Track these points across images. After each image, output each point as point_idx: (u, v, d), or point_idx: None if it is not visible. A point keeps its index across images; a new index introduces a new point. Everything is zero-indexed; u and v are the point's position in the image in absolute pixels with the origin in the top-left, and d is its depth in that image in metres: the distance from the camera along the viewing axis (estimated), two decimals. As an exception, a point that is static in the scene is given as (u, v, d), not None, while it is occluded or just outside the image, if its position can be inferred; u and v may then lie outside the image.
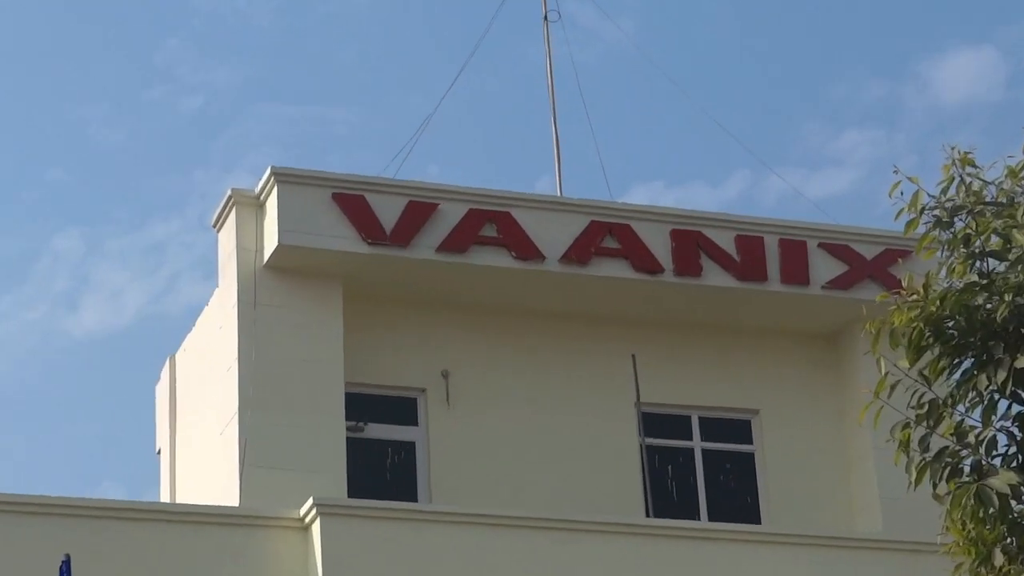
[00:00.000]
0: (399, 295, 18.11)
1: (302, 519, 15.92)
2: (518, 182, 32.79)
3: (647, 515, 17.70)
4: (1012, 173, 9.65)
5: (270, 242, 17.45)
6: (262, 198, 17.67)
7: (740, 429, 19.13)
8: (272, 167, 17.39)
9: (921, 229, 9.78)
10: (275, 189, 17.49)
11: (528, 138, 37.37)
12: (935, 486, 9.51)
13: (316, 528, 15.81)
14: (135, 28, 41.23)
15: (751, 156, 35.54)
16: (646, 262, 18.20)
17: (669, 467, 18.64)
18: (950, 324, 9.51)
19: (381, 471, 17.85)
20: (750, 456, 19.06)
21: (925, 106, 41.18)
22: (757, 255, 18.57)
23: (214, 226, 18.18)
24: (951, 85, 40.88)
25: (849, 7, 40.35)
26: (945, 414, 9.54)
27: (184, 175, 41.98)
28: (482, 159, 37.94)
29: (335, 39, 41.45)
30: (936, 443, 9.52)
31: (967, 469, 9.45)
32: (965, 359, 9.54)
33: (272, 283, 17.63)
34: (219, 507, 16.73)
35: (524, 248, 17.86)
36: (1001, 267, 9.56)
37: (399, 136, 31.83)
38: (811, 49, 40.99)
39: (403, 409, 18.24)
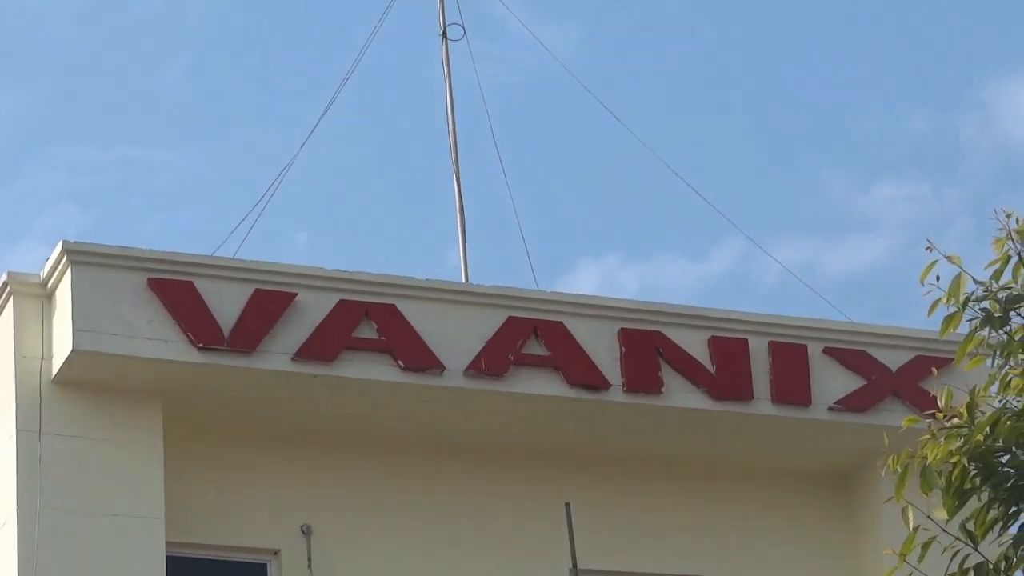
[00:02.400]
0: (242, 421, 17.87)
1: None
2: (411, 263, 32.57)
3: None
4: None
5: (62, 347, 16.99)
6: (50, 285, 17.09)
7: None
8: (64, 243, 16.63)
9: (964, 328, 9.66)
10: (68, 272, 17.02)
11: (428, 200, 37.50)
12: None
13: None
14: None
15: (742, 219, 35.98)
16: (586, 375, 18.04)
17: None
18: (1004, 459, 9.53)
19: None
20: None
21: (988, 146, 41.08)
22: (739, 365, 18.50)
23: None
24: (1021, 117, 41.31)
25: (880, 13, 40.84)
26: None
27: None
28: (361, 228, 37.70)
29: (159, 54, 41.41)
30: None
31: None
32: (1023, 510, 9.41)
33: (64, 404, 17.26)
34: None
35: (416, 355, 17.69)
36: None
37: (247, 190, 31.69)
38: (832, 69, 41.06)
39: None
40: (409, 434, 19.10)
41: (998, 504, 10.03)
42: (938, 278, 10.14)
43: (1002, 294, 10.14)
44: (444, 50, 21.37)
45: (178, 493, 17.99)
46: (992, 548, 9.94)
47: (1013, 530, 10.14)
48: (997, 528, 10.15)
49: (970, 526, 9.98)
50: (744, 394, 19.11)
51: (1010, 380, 9.82)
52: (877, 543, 17.79)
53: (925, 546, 9.87)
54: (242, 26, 41.39)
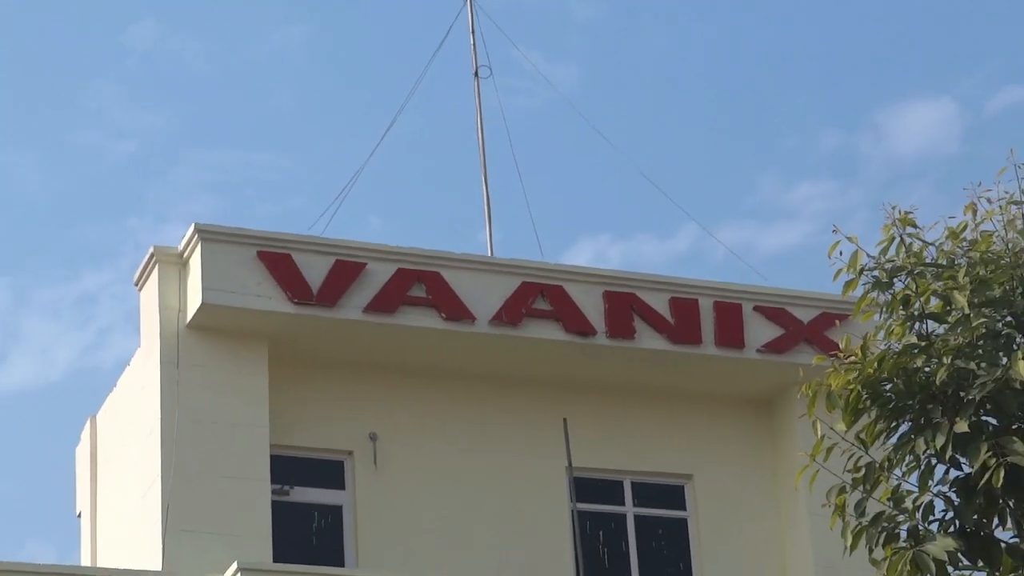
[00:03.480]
0: (326, 356, 17.94)
1: None
2: (452, 239, 32.57)
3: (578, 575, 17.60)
4: (953, 234, 9.67)
5: (193, 301, 17.26)
6: (185, 256, 17.55)
7: (673, 495, 19.03)
8: (196, 224, 17.29)
9: (860, 291, 9.72)
10: (199, 247, 17.38)
11: (463, 194, 37.48)
12: (871, 551, 9.49)
13: None
14: (63, 69, 40.82)
15: (698, 209, 35.46)
16: (578, 324, 18.12)
17: (601, 533, 18.49)
18: (887, 387, 9.50)
19: (307, 535, 17.66)
20: (683, 522, 18.98)
21: (881, 157, 41.27)
22: (692, 318, 18.58)
23: (136, 284, 18.03)
24: (908, 137, 41.38)
25: (803, 55, 40.75)
26: (882, 479, 9.51)
27: (116, 223, 41.71)
28: (415, 214, 38.29)
29: (267, 83, 41.33)
30: (872, 508, 9.49)
31: (903, 534, 9.44)
32: (902, 422, 9.51)
33: (195, 343, 17.44)
34: (141, 572, 16.56)
35: (453, 309, 17.78)
36: (940, 329, 9.54)
37: (332, 185, 31.47)
38: (765, 98, 41.10)
39: (330, 472, 18.01)
40: (448, 367, 18.74)
41: (883, 420, 9.84)
42: (841, 253, 10.05)
43: (888, 265, 10.03)
44: (476, 84, 21.18)
45: (278, 408, 17.86)
46: (878, 452, 9.84)
47: (894, 439, 9.92)
48: (882, 437, 9.93)
49: (863, 435, 9.90)
50: (695, 339, 18.85)
51: (892, 329, 9.85)
52: (793, 448, 17.65)
53: (829, 450, 9.89)
54: (331, 60, 41.95)
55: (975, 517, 9.45)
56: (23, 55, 40.43)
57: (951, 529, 9.50)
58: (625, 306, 18.36)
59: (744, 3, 40.18)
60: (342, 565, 17.46)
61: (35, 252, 40.55)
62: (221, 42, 41.21)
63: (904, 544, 9.31)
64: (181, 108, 41.26)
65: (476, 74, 20.49)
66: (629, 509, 18.72)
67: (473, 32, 20.75)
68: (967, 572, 9.52)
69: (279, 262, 17.35)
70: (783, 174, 40.74)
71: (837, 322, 17.41)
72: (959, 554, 9.31)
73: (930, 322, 9.49)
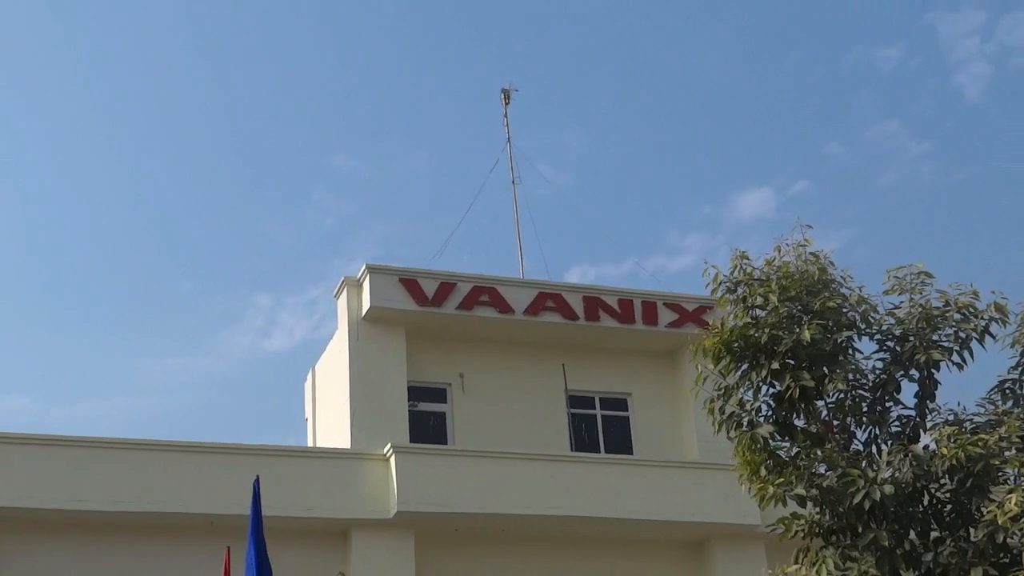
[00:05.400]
0: (436, 332, 18.92)
1: (385, 456, 16.77)
2: (500, 268, 32.74)
3: (571, 450, 18.75)
4: (768, 263, 10.22)
5: (365, 304, 18.36)
6: (360, 280, 18.82)
7: (622, 403, 19.98)
8: (367, 263, 18.57)
9: (720, 293, 10.05)
10: (368, 275, 18.68)
11: (506, 243, 40.03)
12: (728, 433, 9.95)
13: (392, 460, 16.65)
14: (304, 138, 43.35)
15: (636, 248, 34.76)
16: (569, 313, 18.93)
17: (583, 424, 19.61)
18: (736, 345, 9.88)
19: (427, 428, 18.55)
20: (627, 418, 19.84)
21: (733, 219, 43.66)
22: (631, 309, 19.40)
23: (335, 295, 19.19)
24: (748, 209, 41.67)
25: (679, 157, 40.37)
26: (733, 394, 9.94)
27: (328, 263, 45.84)
28: (480, 255, 40.88)
29: (402, 143, 43.36)
30: (728, 409, 9.85)
31: (745, 423, 9.79)
32: (744, 364, 9.89)
33: (367, 327, 18.33)
34: (341, 449, 17.71)
35: (503, 306, 18.76)
36: (762, 314, 9.87)
37: (437, 242, 32.28)
38: (664, 180, 42.53)
39: (438, 394, 18.81)
40: (499, 337, 18.60)
41: (733, 363, 9.57)
42: (711, 273, 9.87)
43: (734, 280, 9.74)
44: (513, 192, 20.40)
45: (412, 360, 18.02)
46: (732, 379, 9.62)
47: (739, 373, 9.50)
48: (733, 372, 9.48)
49: (723, 371, 9.70)
50: (632, 321, 18.71)
51: (737, 314, 9.83)
52: (686, 377, 17.36)
53: (705, 379, 9.83)
54: (444, 177, 42.45)
55: (783, 414, 9.83)
56: (267, 128, 43.39)
57: (771, 421, 9.79)
58: (594, 303, 19.19)
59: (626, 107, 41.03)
60: (445, 443, 18.23)
61: (284, 276, 41.51)
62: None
63: (745, 429, 9.73)
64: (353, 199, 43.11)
65: (513, 182, 21.13)
66: (598, 412, 19.82)
67: (511, 159, 20.92)
68: (780, 443, 9.83)
69: (410, 283, 18.39)
70: (680, 230, 43.47)
71: (709, 310, 18.94)
72: (775, 434, 9.75)
73: (757, 310, 9.87)
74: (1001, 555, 8.69)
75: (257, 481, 11.94)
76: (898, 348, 9.64)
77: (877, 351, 9.91)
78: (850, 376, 9.39)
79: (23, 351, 37.56)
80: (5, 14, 37.52)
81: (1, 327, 37.24)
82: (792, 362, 9.55)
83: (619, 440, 19.37)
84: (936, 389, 9.58)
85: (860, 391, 9.62)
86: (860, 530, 9.04)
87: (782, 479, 9.18)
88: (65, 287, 39.82)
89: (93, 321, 38.58)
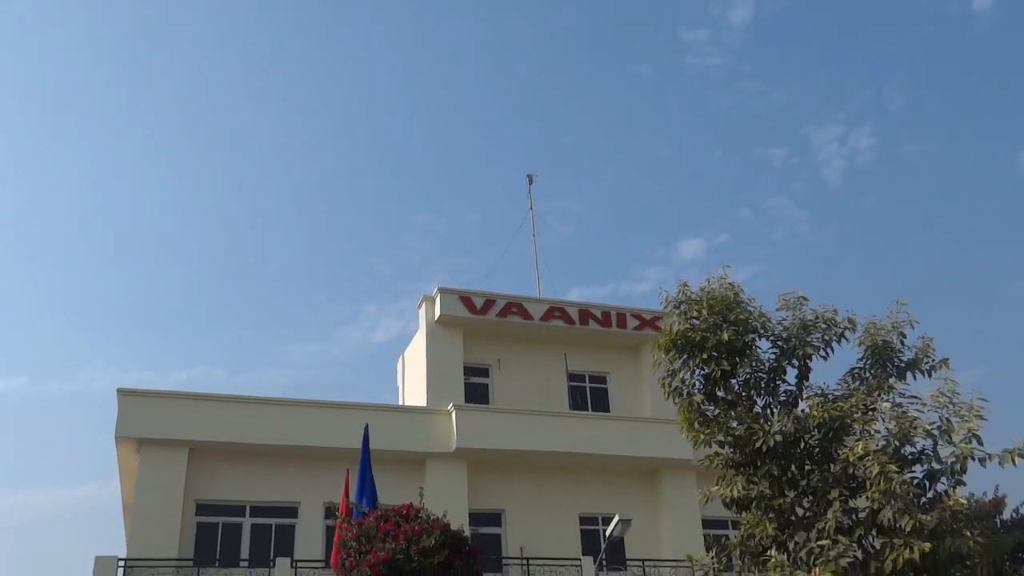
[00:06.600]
0: (483, 332, 18.60)
1: (449, 411, 16.76)
2: (523, 289, 31.81)
3: (569, 408, 18.31)
4: (700, 289, 10.20)
5: (437, 313, 18.29)
6: (434, 296, 18.66)
7: (603, 379, 19.50)
8: (438, 286, 18.48)
9: (671, 308, 9.86)
10: (439, 294, 18.68)
11: (532, 275, 37.24)
12: (674, 400, 9.78)
13: (454, 414, 16.71)
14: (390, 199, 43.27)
15: (613, 275, 33.33)
16: (569, 320, 18.47)
17: (576, 392, 19.01)
18: (679, 342, 9.81)
19: (478, 392, 18.30)
20: (606, 389, 19.43)
21: (678, 258, 43.31)
22: (609, 318, 18.63)
23: (418, 307, 18.98)
24: (688, 252, 41.45)
25: (647, 221, 39.16)
26: (678, 374, 9.77)
27: (413, 283, 44.87)
28: (510, 281, 42.58)
29: (456, 204, 43.81)
30: (674, 384, 9.63)
31: (684, 394, 9.67)
32: (684, 355, 9.70)
33: (437, 328, 18.22)
34: (420, 406, 17.58)
35: (526, 315, 18.65)
36: (697, 322, 9.79)
37: (483, 270, 31.15)
38: (633, 231, 43.39)
39: (484, 372, 18.60)
40: (523, 335, 17.75)
41: (678, 354, 9.23)
42: (665, 294, 9.85)
43: (679, 300, 9.60)
44: (534, 244, 20.37)
45: (467, 350, 17.41)
46: (676, 364, 9.34)
47: (680, 361, 9.25)
48: (678, 360, 9.23)
49: (671, 359, 9.43)
50: (611, 324, 18.21)
51: (681, 322, 9.60)
52: (647, 362, 17.17)
53: (659, 364, 9.34)
54: (490, 232, 43.19)
55: (710, 388, 9.59)
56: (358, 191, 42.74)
57: (702, 392, 9.61)
58: (585, 313, 18.86)
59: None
60: (488, 404, 17.86)
61: (386, 293, 42.57)
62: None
63: (685, 397, 9.61)
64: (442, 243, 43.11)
65: (534, 235, 21.07)
66: (587, 384, 19.27)
67: (533, 218, 20.83)
68: (707, 407, 9.64)
69: (466, 299, 18.37)
70: (642, 264, 45.55)
71: (662, 319, 17.21)
72: (704, 401, 9.56)
73: (693, 320, 9.85)
74: (851, 481, 8.97)
75: (367, 427, 12.22)
76: (784, 346, 9.74)
77: (771, 348, 9.97)
78: (753, 364, 9.44)
79: (218, 338, 44.51)
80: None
81: (203, 323, 43.80)
82: (716, 354, 9.38)
83: (601, 403, 19.04)
84: (809, 373, 9.78)
85: (759, 374, 9.69)
86: (759, 464, 9.15)
87: (708, 430, 9.15)
88: (246, 298, 46.17)
89: (261, 319, 45.10)
